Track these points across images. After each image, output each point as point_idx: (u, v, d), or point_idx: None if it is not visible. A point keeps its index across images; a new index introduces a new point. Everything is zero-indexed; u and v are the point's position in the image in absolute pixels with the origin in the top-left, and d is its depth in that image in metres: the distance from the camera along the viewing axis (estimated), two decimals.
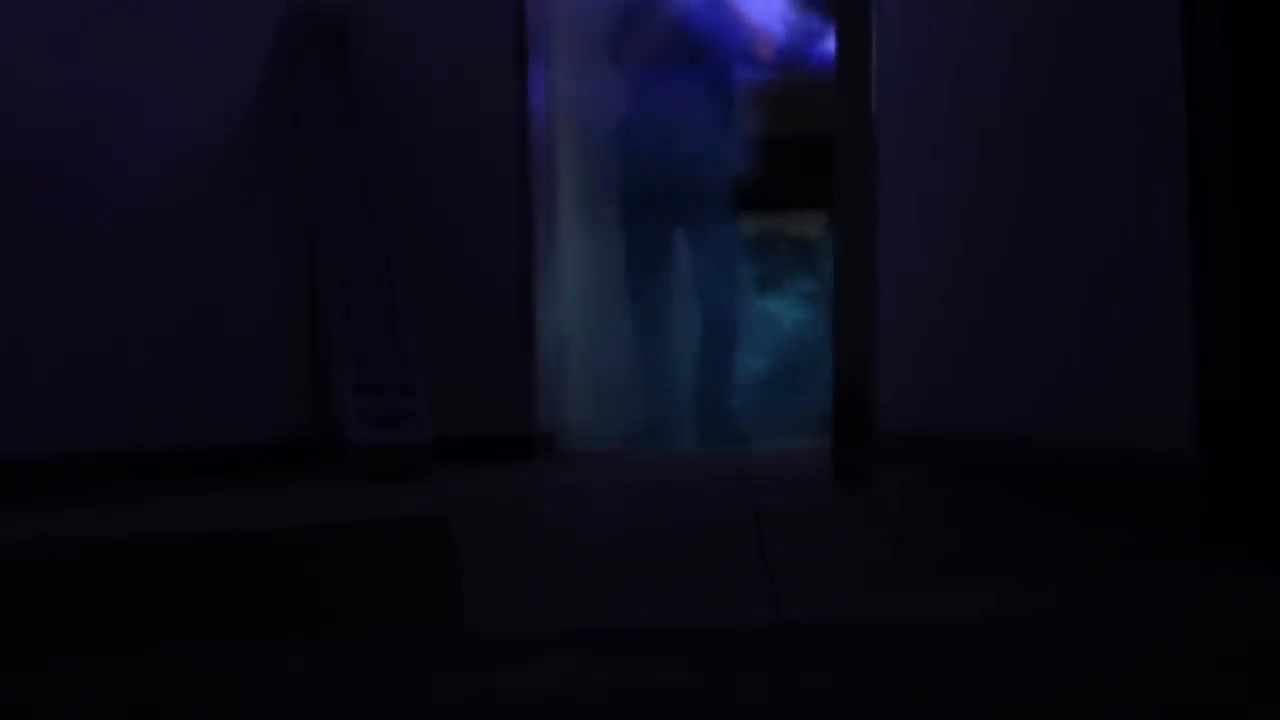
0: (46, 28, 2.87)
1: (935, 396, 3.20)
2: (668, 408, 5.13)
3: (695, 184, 5.06)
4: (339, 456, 4.01)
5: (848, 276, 2.50)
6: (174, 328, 3.43)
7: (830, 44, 2.64)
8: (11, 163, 2.73)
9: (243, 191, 3.90)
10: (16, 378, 2.72)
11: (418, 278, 4.18)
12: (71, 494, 2.86)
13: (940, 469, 2.96)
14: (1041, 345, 2.21)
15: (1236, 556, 1.36)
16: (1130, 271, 1.75)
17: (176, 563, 1.23)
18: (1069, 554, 1.50)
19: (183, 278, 3.50)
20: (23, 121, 2.77)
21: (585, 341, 5.36)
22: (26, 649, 1.08)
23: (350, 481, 3.33)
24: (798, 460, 3.81)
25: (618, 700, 0.84)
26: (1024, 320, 2.33)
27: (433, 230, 4.28)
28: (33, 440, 2.76)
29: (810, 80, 5.21)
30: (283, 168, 4.13)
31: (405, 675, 0.93)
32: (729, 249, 5.18)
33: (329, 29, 4.22)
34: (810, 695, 0.84)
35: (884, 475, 2.68)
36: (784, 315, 5.48)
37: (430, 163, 4.30)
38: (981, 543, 1.64)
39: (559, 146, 5.20)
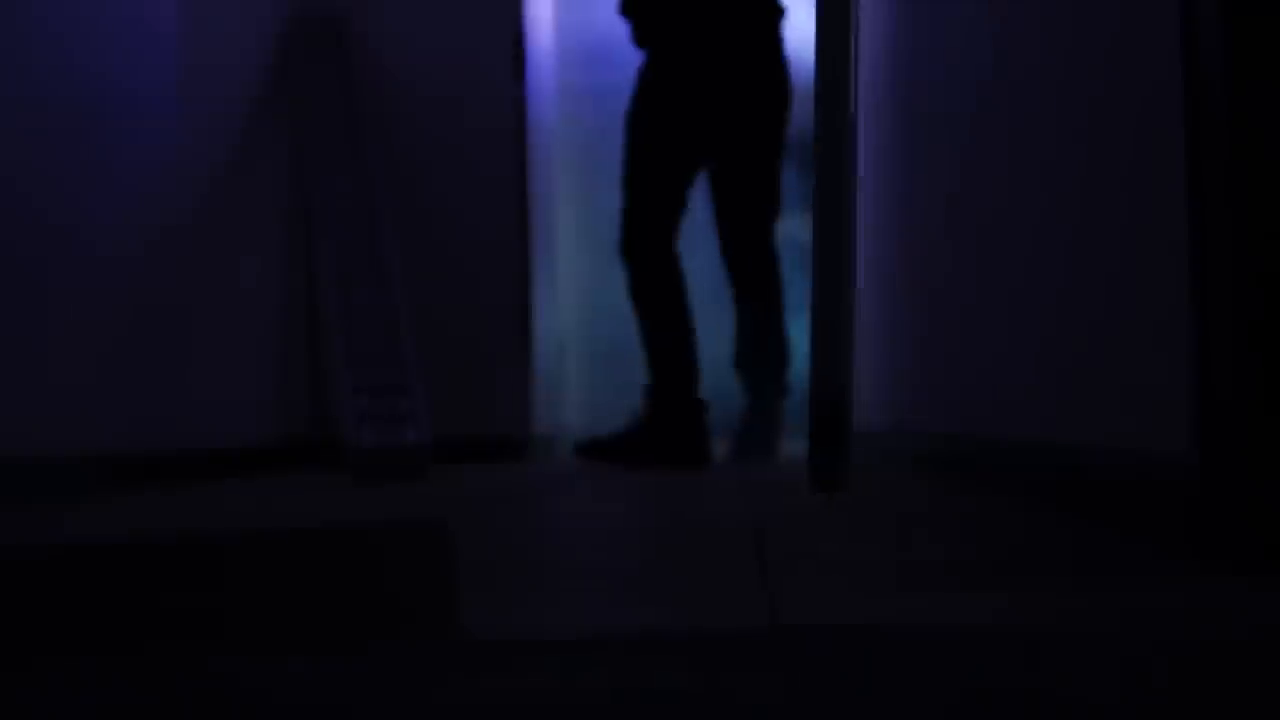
0: (45, 27, 2.87)
1: (922, 397, 3.20)
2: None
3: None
4: (338, 458, 4.01)
5: (824, 278, 2.50)
6: (173, 328, 3.43)
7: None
8: (9, 163, 2.73)
9: (242, 192, 3.90)
10: (15, 377, 2.72)
11: (416, 278, 4.18)
12: (69, 494, 2.86)
13: (932, 472, 2.96)
14: (1030, 344, 2.21)
15: (1233, 560, 1.36)
16: (1126, 270, 1.75)
17: (173, 564, 1.23)
18: (1061, 557, 1.50)
19: (182, 278, 3.49)
20: (21, 121, 2.77)
21: (586, 343, 5.35)
22: (20, 650, 1.08)
23: (348, 483, 3.33)
24: (799, 463, 3.81)
25: (614, 703, 0.84)
26: (1016, 319, 2.32)
27: (431, 230, 4.28)
28: (30, 440, 2.76)
29: None
30: (283, 168, 4.13)
31: (402, 679, 0.93)
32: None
33: (329, 30, 4.22)
34: (809, 698, 0.84)
35: (873, 478, 2.68)
36: None
37: (429, 163, 4.30)
38: (974, 547, 1.64)
39: (559, 141, 5.20)
